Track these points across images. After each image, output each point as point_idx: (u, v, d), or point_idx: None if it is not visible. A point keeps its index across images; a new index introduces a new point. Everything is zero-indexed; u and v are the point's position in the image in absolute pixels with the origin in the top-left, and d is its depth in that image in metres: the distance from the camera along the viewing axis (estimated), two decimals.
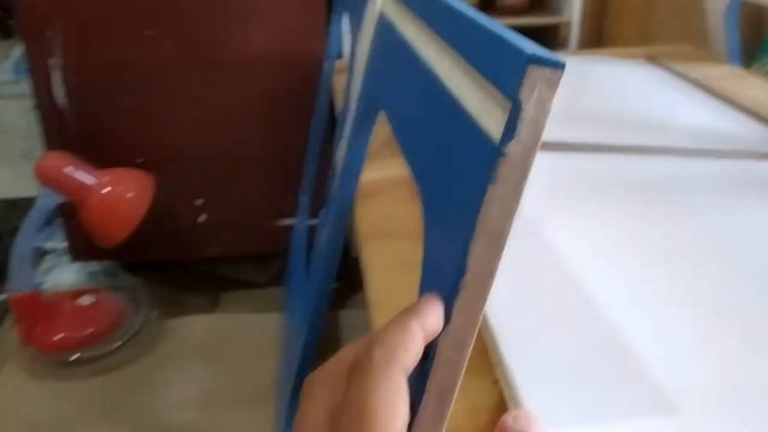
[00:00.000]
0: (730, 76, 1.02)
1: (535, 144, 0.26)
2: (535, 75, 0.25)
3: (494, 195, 0.27)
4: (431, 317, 0.28)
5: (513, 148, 0.26)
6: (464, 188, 0.30)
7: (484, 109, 0.29)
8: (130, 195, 1.12)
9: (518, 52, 0.26)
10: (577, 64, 1.14)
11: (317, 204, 1.21)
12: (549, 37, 1.30)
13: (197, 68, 1.20)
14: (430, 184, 0.35)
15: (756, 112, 0.86)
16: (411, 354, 0.26)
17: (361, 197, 0.66)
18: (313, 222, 1.21)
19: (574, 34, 1.24)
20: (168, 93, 1.21)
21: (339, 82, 1.05)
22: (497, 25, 0.30)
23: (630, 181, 0.70)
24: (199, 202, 1.29)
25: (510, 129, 0.26)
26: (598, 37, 1.43)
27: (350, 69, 0.71)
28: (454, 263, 0.29)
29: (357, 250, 0.63)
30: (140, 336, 1.26)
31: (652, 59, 1.12)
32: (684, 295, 0.51)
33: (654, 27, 1.45)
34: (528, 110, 0.26)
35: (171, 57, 1.18)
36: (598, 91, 1.01)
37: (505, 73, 0.27)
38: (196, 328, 1.31)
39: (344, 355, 0.28)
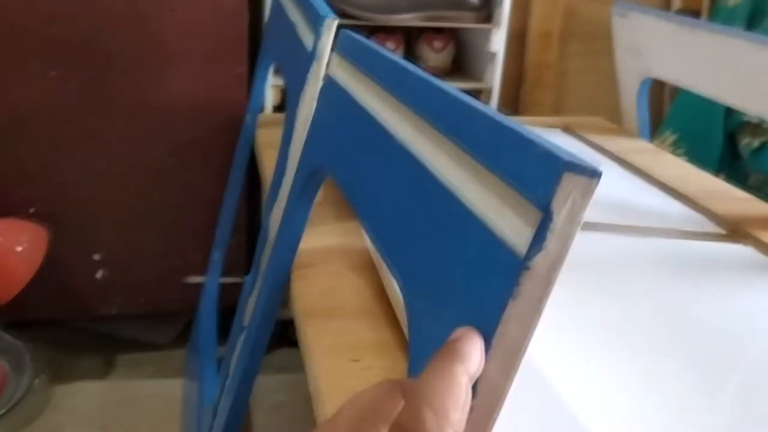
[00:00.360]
0: (643, 150, 1.05)
1: (563, 257, 0.24)
2: (570, 183, 0.23)
3: (514, 311, 0.24)
4: (474, 358, 0.24)
5: (540, 261, 0.24)
6: (474, 300, 0.26)
7: (502, 216, 0.26)
8: (20, 248, 1.01)
9: (552, 157, 0.23)
10: None
11: (230, 262, 1.15)
12: None
13: (104, 114, 1.12)
14: (420, 284, 0.31)
15: (674, 188, 0.89)
16: (463, 413, 0.22)
17: (298, 268, 0.61)
18: (225, 280, 1.14)
19: (494, 100, 1.26)
20: (70, 139, 1.12)
21: (262, 136, 1.00)
22: (517, 123, 0.27)
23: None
24: (97, 256, 1.19)
25: (539, 241, 0.23)
26: (515, 103, 1.47)
27: (287, 129, 0.67)
28: None
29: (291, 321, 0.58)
30: (23, 405, 1.13)
31: (568, 129, 1.15)
32: (617, 375, 0.50)
33: (567, 97, 1.50)
34: (559, 222, 0.23)
35: (76, 101, 1.10)
36: None
37: (533, 180, 0.24)
38: (87, 395, 1.19)
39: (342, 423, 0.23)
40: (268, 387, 1.21)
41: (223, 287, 1.12)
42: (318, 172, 0.55)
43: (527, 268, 0.24)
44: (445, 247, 0.30)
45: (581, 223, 0.23)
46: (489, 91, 1.27)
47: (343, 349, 0.51)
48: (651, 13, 1.03)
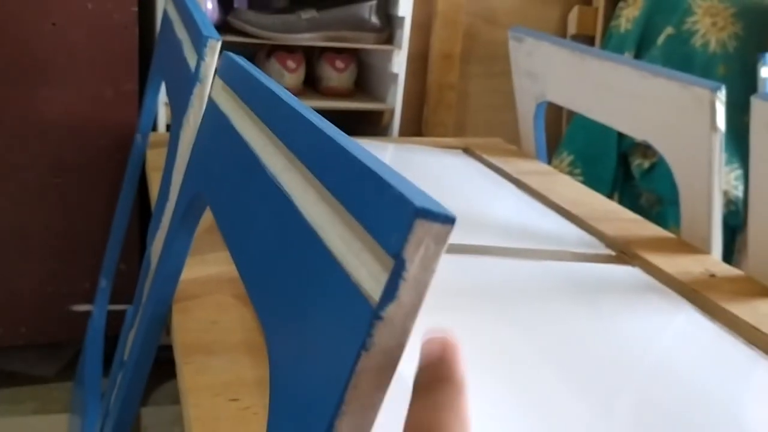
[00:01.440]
0: (540, 172, 1.08)
1: (417, 307, 0.23)
2: (422, 230, 0.22)
3: (367, 363, 0.23)
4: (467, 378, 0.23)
5: (393, 311, 0.22)
6: (329, 348, 0.24)
7: (358, 258, 0.24)
8: None
9: (404, 202, 0.22)
10: (401, 152, 1.15)
11: (119, 289, 1.09)
12: (372, 122, 1.31)
13: None
14: (280, 326, 0.29)
15: (567, 210, 0.91)
16: None
17: (179, 300, 0.58)
18: (114, 308, 1.08)
19: (396, 120, 1.26)
20: None
21: (153, 156, 0.96)
22: (379, 163, 0.26)
23: (450, 283, 0.69)
24: None
25: (391, 290, 0.22)
26: (417, 123, 1.48)
27: (170, 153, 0.64)
28: None
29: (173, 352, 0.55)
30: None
31: (468, 151, 1.16)
32: (509, 401, 0.50)
33: (469, 119, 1.52)
34: (412, 270, 0.22)
35: None
36: (421, 183, 1.02)
37: (387, 226, 0.23)
38: None
39: None
40: (162, 419, 1.16)
41: (112, 315, 1.07)
42: (198, 199, 0.52)
43: (379, 318, 0.22)
44: (306, 289, 0.28)
45: (435, 272, 0.22)
46: (391, 112, 1.27)
47: (222, 387, 0.48)
48: (545, 39, 1.05)
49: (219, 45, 0.59)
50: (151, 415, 1.16)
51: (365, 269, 0.24)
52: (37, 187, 1.09)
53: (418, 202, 0.22)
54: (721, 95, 0.75)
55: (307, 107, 0.38)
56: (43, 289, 1.14)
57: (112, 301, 1.06)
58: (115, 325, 1.07)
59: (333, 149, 0.29)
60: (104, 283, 1.05)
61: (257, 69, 0.50)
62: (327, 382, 0.24)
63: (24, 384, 1.21)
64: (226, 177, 0.45)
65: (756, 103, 0.68)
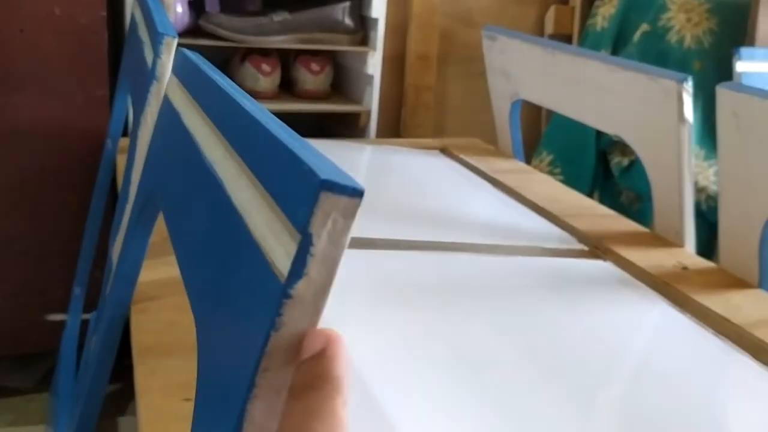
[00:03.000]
0: (516, 170, 1.07)
1: (328, 284, 0.22)
2: (328, 204, 0.21)
3: (277, 343, 0.22)
4: (347, 378, 0.22)
5: (302, 288, 0.21)
6: (244, 332, 0.24)
7: (277, 239, 0.23)
8: None
9: (310, 174, 0.21)
10: (378, 153, 1.14)
11: (94, 296, 1.08)
12: (349, 124, 1.31)
13: None
14: (204, 316, 0.29)
15: (541, 207, 0.90)
16: None
17: (138, 302, 0.57)
18: (88, 316, 1.07)
19: (373, 122, 1.26)
20: None
21: (123, 162, 0.95)
22: (293, 136, 0.25)
23: (425, 280, 0.69)
24: None
25: (298, 267, 0.21)
26: (396, 126, 1.47)
27: (130, 153, 0.63)
28: (229, 421, 0.23)
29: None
30: None
31: (445, 151, 1.15)
32: (486, 400, 0.49)
33: (447, 120, 1.52)
34: (319, 245, 0.21)
35: None
36: (397, 182, 1.01)
37: (294, 199, 0.22)
38: None
39: None
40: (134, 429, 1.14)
41: (87, 324, 1.05)
42: (152, 204, 0.52)
43: (288, 296, 0.21)
44: (229, 274, 0.27)
45: (345, 247, 0.21)
46: (368, 114, 1.26)
47: (176, 388, 0.47)
48: (517, 37, 1.05)
49: (175, 42, 0.58)
50: (129, 425, 1.14)
51: (282, 249, 0.23)
52: (9, 194, 1.08)
53: (324, 175, 0.21)
54: (688, 86, 0.75)
55: (248, 96, 0.37)
56: (16, 299, 1.13)
57: (87, 309, 1.05)
58: (86, 338, 1.06)
59: (256, 130, 0.28)
60: (78, 291, 1.04)
61: (208, 64, 0.49)
62: (241, 365, 0.23)
63: (1, 396, 1.20)
64: (175, 174, 0.45)
65: (721, 93, 0.68)
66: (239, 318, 0.24)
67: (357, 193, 0.21)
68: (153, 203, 0.52)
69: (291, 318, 0.22)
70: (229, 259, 0.27)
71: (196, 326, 0.30)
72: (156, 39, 0.59)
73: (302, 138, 0.27)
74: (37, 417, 1.15)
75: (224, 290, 0.27)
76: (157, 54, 0.58)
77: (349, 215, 0.21)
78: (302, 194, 0.21)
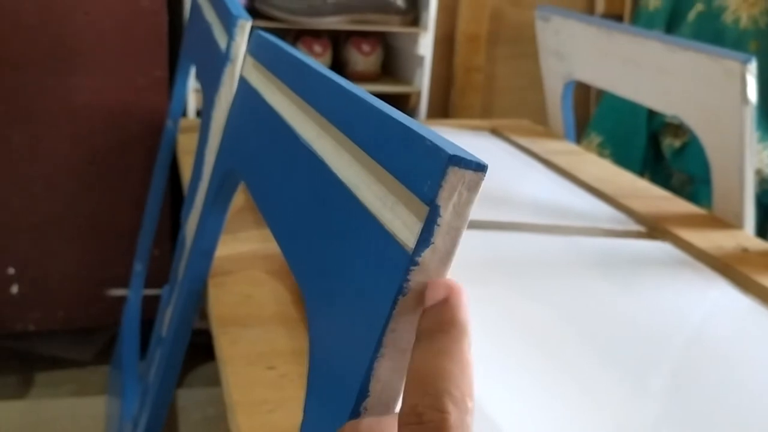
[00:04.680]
0: (568, 152, 1.07)
1: (451, 252, 0.23)
2: (455, 178, 0.22)
3: (404, 307, 0.23)
4: (470, 323, 0.23)
5: (428, 256, 0.23)
6: (367, 297, 0.25)
7: (392, 211, 0.25)
8: None
9: (437, 151, 0.23)
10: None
11: (154, 273, 1.11)
12: (399, 105, 1.31)
13: (17, 120, 1.07)
14: (318, 286, 0.30)
15: (596, 188, 0.91)
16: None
17: (214, 276, 0.59)
18: (149, 292, 1.10)
19: (423, 103, 1.26)
20: None
21: (184, 142, 0.97)
22: (407, 118, 0.26)
23: (483, 258, 0.70)
24: (11, 270, 1.13)
25: (426, 236, 0.23)
26: (445, 107, 1.48)
27: (203, 133, 0.65)
28: (353, 383, 0.24)
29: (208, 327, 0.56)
30: None
31: (496, 132, 1.16)
32: (542, 375, 0.50)
33: (496, 100, 1.52)
34: (446, 216, 0.22)
35: None
36: None
37: (420, 175, 0.23)
38: (3, 417, 1.13)
39: None
40: (196, 401, 1.18)
41: (147, 299, 1.09)
42: (231, 177, 0.53)
43: (416, 264, 0.23)
44: (342, 245, 0.29)
45: (468, 218, 0.23)
46: (418, 95, 1.27)
47: (258, 357, 0.49)
48: (572, 17, 1.05)
49: (249, 25, 0.60)
50: (186, 397, 1.18)
51: (400, 221, 0.24)
52: (71, 174, 1.12)
53: (451, 151, 0.22)
54: (752, 67, 0.74)
55: (335, 74, 0.38)
56: (79, 275, 1.17)
57: (147, 285, 1.08)
58: (150, 309, 1.09)
59: (363, 109, 0.30)
60: (139, 268, 1.07)
61: (286, 44, 0.50)
62: (365, 327, 0.24)
63: (62, 368, 1.24)
64: (261, 151, 0.46)
65: None
66: (361, 285, 0.26)
67: (481, 168, 0.22)
68: (231, 181, 0.54)
69: (417, 283, 0.23)
70: (342, 230, 0.29)
71: (304, 295, 0.31)
72: (230, 22, 0.60)
73: (406, 114, 0.28)
74: (97, 388, 1.19)
75: (339, 260, 0.28)
76: (231, 36, 0.60)
77: (473, 188, 0.22)
78: (428, 169, 0.23)
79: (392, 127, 0.26)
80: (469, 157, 0.22)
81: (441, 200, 0.22)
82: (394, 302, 0.23)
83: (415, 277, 0.23)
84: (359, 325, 0.25)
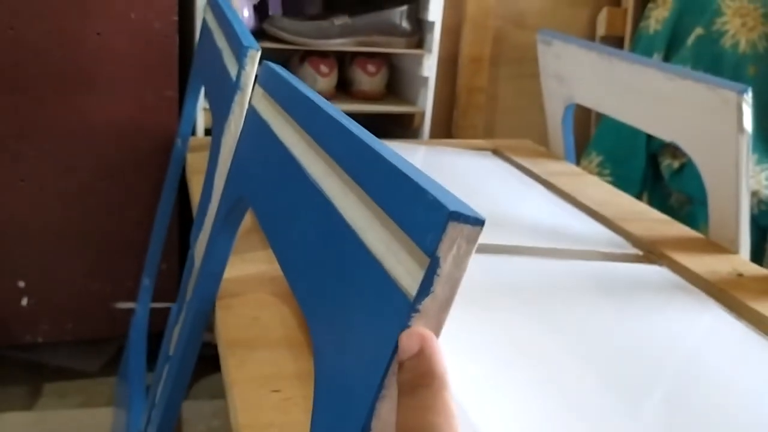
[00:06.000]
0: (568, 173, 1.09)
1: (450, 300, 0.25)
2: (455, 231, 0.24)
3: None
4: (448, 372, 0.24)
5: (428, 304, 0.25)
6: (370, 339, 0.27)
7: (396, 257, 0.27)
8: None
9: (439, 206, 0.25)
10: (432, 154, 1.17)
11: (161, 287, 1.13)
12: (403, 124, 1.34)
13: (29, 138, 1.10)
14: (323, 321, 0.32)
15: (595, 211, 0.92)
16: None
17: (222, 297, 0.61)
18: (156, 306, 1.12)
19: (427, 123, 1.28)
20: None
21: (193, 160, 1.00)
22: (411, 168, 0.28)
23: (480, 282, 0.71)
24: (21, 283, 1.16)
25: (426, 285, 0.25)
26: (448, 126, 1.50)
27: (212, 158, 0.67)
28: (356, 421, 0.26)
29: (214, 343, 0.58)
30: None
31: (497, 152, 1.18)
32: (539, 398, 0.51)
33: (498, 121, 1.54)
34: (445, 267, 0.24)
35: None
36: (451, 183, 1.04)
37: (423, 227, 0.25)
38: (12, 427, 1.15)
39: None
40: (201, 413, 1.19)
41: (154, 312, 1.11)
42: (241, 202, 0.55)
43: (416, 311, 0.25)
44: (347, 287, 0.30)
45: (467, 269, 0.25)
46: (422, 115, 1.29)
47: (264, 379, 0.51)
48: (573, 42, 1.07)
49: (258, 55, 0.62)
50: (191, 409, 1.19)
51: (402, 267, 0.26)
52: (83, 189, 1.14)
53: (451, 206, 0.24)
54: (748, 97, 0.76)
55: (343, 114, 0.40)
56: (88, 287, 1.19)
57: (154, 299, 1.10)
58: (156, 322, 1.11)
59: (370, 156, 0.32)
60: (147, 282, 1.09)
61: (295, 78, 0.53)
62: (368, 368, 0.26)
63: (70, 379, 1.26)
64: (269, 180, 0.48)
65: None
66: (364, 327, 0.28)
67: (479, 222, 0.24)
68: (240, 206, 0.56)
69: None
70: (347, 271, 0.31)
71: (309, 327, 0.33)
72: (240, 51, 0.63)
73: (410, 162, 0.30)
74: (104, 399, 1.21)
75: (344, 300, 0.30)
76: (241, 65, 0.62)
77: (472, 241, 0.24)
78: (430, 222, 0.25)
79: (397, 177, 0.28)
80: (468, 212, 0.24)
81: (441, 252, 0.24)
82: (396, 345, 0.25)
83: (416, 323, 0.25)
84: (362, 366, 0.27)
